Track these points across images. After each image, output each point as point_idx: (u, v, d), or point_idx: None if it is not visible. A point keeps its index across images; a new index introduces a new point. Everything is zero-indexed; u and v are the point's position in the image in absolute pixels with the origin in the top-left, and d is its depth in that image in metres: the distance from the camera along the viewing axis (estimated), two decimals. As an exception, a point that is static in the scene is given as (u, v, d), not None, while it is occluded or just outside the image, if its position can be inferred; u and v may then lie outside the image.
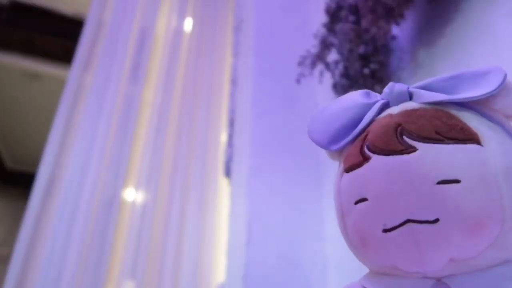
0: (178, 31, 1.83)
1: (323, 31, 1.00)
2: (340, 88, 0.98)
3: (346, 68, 0.96)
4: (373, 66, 0.91)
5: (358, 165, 0.32)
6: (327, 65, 1.00)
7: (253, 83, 1.26)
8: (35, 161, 1.59)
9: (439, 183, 0.29)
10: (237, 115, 1.43)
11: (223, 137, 1.66)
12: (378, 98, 0.35)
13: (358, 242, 0.32)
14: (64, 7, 2.80)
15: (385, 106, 0.35)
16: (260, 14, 1.39)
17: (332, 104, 0.37)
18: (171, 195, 1.50)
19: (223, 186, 1.55)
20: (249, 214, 1.06)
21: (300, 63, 0.99)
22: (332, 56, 1.00)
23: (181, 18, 1.87)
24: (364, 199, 0.31)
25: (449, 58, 0.79)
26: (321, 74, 1.02)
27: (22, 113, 3.65)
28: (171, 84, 1.67)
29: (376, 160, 0.31)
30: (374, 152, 0.31)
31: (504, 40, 0.67)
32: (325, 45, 0.98)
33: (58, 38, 2.85)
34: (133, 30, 1.73)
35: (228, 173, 1.47)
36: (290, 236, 1.07)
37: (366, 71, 0.90)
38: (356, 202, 0.32)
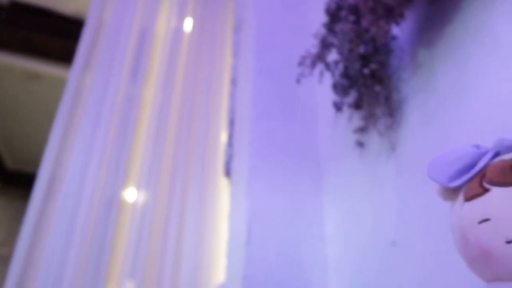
0: (178, 31, 1.83)
1: (323, 31, 1.00)
2: (340, 88, 0.98)
3: (346, 68, 0.96)
4: (373, 66, 0.91)
5: (479, 195, 0.41)
6: (327, 65, 1.00)
7: (253, 83, 1.26)
8: (35, 161, 1.59)
9: None
10: (237, 115, 1.43)
11: (223, 137, 1.65)
12: (488, 149, 0.45)
13: (480, 255, 0.41)
14: (64, 7, 2.79)
15: (496, 155, 0.44)
16: (260, 14, 1.39)
17: (448, 153, 0.47)
18: (171, 195, 1.50)
19: (223, 186, 1.55)
20: (249, 214, 1.06)
21: (300, 63, 0.99)
22: (332, 56, 1.00)
23: (181, 18, 1.87)
24: (487, 219, 0.40)
25: (449, 58, 0.79)
26: (321, 74, 1.02)
27: (22, 113, 3.65)
28: (171, 84, 1.67)
29: (497, 190, 0.40)
30: (493, 185, 0.41)
31: (504, 39, 0.67)
32: (325, 45, 0.98)
33: (58, 38, 2.84)
34: (133, 30, 1.73)
35: (228, 173, 1.47)
36: (290, 235, 1.07)
37: (366, 71, 0.90)
38: (480, 222, 0.40)
